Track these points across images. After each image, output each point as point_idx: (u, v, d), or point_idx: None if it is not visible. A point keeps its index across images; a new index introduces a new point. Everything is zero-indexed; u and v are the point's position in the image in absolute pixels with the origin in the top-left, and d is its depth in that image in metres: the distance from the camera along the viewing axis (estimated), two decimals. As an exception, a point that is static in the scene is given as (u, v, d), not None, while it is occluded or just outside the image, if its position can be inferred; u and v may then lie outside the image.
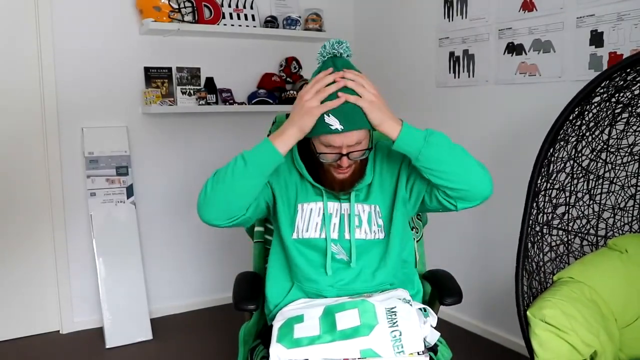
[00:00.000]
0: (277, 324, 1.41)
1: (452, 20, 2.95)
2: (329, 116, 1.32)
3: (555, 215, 1.98)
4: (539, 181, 1.81)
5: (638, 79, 1.72)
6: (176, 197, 3.25)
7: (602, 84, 1.68)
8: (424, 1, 3.13)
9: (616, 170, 2.04)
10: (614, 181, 2.05)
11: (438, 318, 1.50)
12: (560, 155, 1.88)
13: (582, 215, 2.05)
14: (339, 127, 1.32)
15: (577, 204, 2.03)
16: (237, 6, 3.24)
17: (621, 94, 1.81)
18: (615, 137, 1.99)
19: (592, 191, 2.04)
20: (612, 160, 2.02)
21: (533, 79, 2.56)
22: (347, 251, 1.48)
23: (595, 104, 1.79)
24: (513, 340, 2.73)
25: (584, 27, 2.33)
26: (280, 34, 3.28)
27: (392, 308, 1.36)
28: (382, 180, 1.51)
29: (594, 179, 2.03)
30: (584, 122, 1.84)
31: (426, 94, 3.16)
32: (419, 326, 1.33)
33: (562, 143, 1.84)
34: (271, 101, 3.30)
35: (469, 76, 2.89)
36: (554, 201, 1.96)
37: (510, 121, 2.69)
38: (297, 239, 1.49)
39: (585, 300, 1.67)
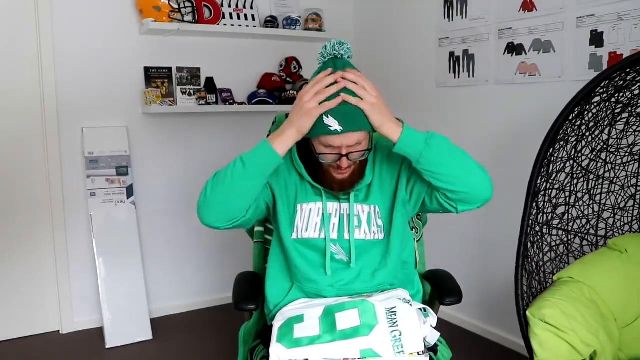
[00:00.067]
0: (277, 324, 1.41)
1: (452, 20, 2.95)
2: (328, 117, 1.32)
3: (555, 215, 1.98)
4: (538, 181, 1.81)
5: (638, 79, 1.72)
6: (176, 197, 3.25)
7: (602, 84, 1.68)
8: (424, 1, 3.13)
9: (616, 170, 2.04)
10: (614, 181, 2.05)
11: (438, 318, 1.50)
12: (560, 155, 1.88)
13: (582, 215, 2.05)
14: (338, 128, 1.32)
15: (577, 204, 2.03)
16: (237, 6, 3.24)
17: (621, 94, 1.81)
18: (615, 137, 1.99)
19: (592, 191, 2.04)
20: (612, 160, 2.02)
21: (533, 79, 2.56)
22: (346, 251, 1.48)
23: (595, 104, 1.80)
24: (513, 340, 2.73)
25: (584, 27, 2.33)
26: (280, 34, 3.28)
27: (392, 308, 1.36)
28: (382, 180, 1.51)
29: (594, 179, 2.03)
30: (583, 122, 1.84)
31: (426, 94, 3.16)
32: (419, 326, 1.33)
33: (562, 143, 1.84)
34: (271, 101, 3.30)
35: (469, 76, 2.89)
36: (554, 201, 1.96)
37: (510, 121, 2.69)
38: (297, 239, 1.49)
39: (585, 300, 1.67)
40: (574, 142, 1.89)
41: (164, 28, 2.93)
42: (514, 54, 2.64)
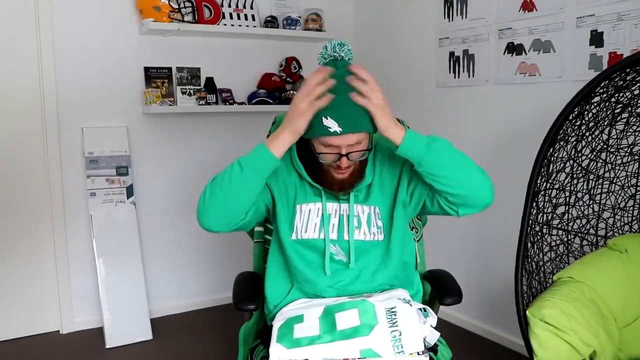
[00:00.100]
0: (277, 324, 1.41)
1: (452, 20, 2.95)
2: (327, 118, 1.32)
3: (555, 215, 1.98)
4: (538, 181, 1.81)
5: (638, 79, 1.72)
6: (176, 197, 3.25)
7: (602, 84, 1.68)
8: (424, 1, 3.13)
9: (616, 170, 2.04)
10: (614, 181, 2.05)
11: (438, 318, 1.50)
12: (560, 155, 1.88)
13: (582, 215, 2.05)
14: (338, 129, 1.32)
15: (577, 204, 2.03)
16: (237, 6, 3.24)
17: (621, 94, 1.81)
18: (615, 137, 1.99)
19: (592, 191, 2.04)
20: (612, 160, 2.02)
21: (533, 79, 2.56)
22: (345, 252, 1.48)
23: (595, 104, 1.80)
24: (513, 340, 2.73)
25: (584, 27, 2.33)
26: (280, 34, 3.28)
27: (392, 308, 1.36)
28: (382, 181, 1.51)
29: (594, 179, 2.03)
30: (583, 122, 1.84)
31: (426, 94, 3.16)
32: (418, 326, 1.33)
33: (562, 143, 1.84)
34: (271, 101, 3.30)
35: (469, 76, 2.89)
36: (554, 201, 1.96)
37: (510, 121, 2.69)
38: (296, 240, 1.49)
39: (584, 300, 1.67)
40: (574, 142, 1.89)
41: (164, 28, 2.93)
42: (514, 54, 2.64)
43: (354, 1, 3.67)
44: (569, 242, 2.05)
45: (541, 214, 1.91)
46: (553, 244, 2.01)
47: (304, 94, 1.34)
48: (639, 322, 1.77)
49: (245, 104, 3.29)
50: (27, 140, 2.88)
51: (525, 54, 2.58)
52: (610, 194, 2.07)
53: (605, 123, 1.92)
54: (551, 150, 1.79)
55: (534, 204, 1.83)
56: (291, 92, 3.35)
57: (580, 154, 1.93)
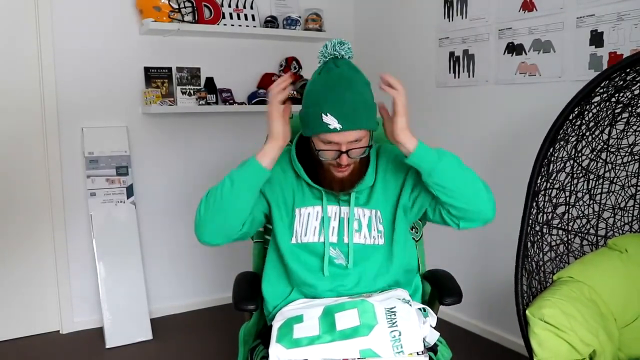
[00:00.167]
0: (276, 324, 1.41)
1: (452, 20, 2.95)
2: (327, 115, 1.32)
3: (555, 215, 1.98)
4: (538, 181, 1.81)
5: (638, 79, 1.72)
6: (176, 197, 3.25)
7: (602, 84, 1.68)
8: (424, 1, 3.12)
9: (616, 170, 2.04)
10: (614, 181, 2.05)
11: (438, 318, 1.50)
12: (560, 155, 1.88)
13: (582, 215, 2.05)
14: (337, 126, 1.32)
15: (577, 204, 2.03)
16: (237, 6, 3.24)
17: (621, 94, 1.81)
18: (615, 137, 1.99)
19: (592, 191, 2.04)
20: (612, 160, 2.02)
21: (533, 79, 2.56)
22: (345, 255, 1.48)
23: (595, 104, 1.79)
24: (513, 340, 2.73)
25: (584, 27, 2.33)
26: (280, 34, 3.28)
27: (392, 308, 1.36)
28: (385, 185, 1.50)
29: (594, 179, 2.03)
30: (583, 121, 1.84)
31: (426, 94, 3.16)
32: (418, 326, 1.33)
33: (562, 143, 1.84)
34: (271, 101, 3.29)
35: (469, 76, 2.89)
36: (554, 201, 1.96)
37: (510, 121, 2.69)
38: (296, 244, 1.49)
39: (584, 299, 1.67)
40: (574, 142, 1.89)
41: (164, 28, 2.93)
42: (514, 54, 2.64)
43: (354, 1, 3.67)
44: (569, 241, 2.05)
45: (541, 214, 1.91)
46: (553, 243, 2.01)
47: (269, 102, 1.40)
48: (639, 322, 1.77)
49: (245, 104, 3.29)
50: (27, 140, 2.88)
51: (525, 54, 2.58)
52: (611, 193, 2.07)
53: (606, 123, 1.92)
54: (551, 150, 1.79)
55: (534, 203, 1.83)
56: (291, 92, 3.34)
57: (580, 154, 1.93)
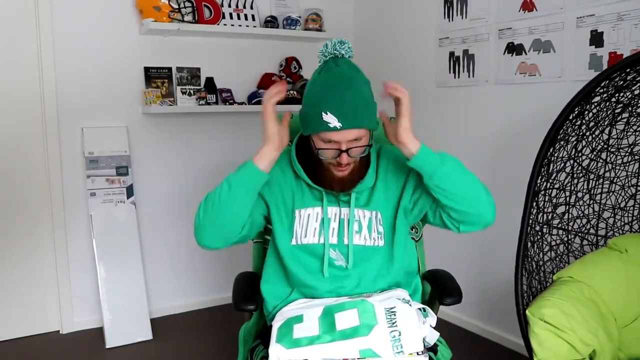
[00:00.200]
0: (276, 324, 1.41)
1: (452, 20, 2.95)
2: (326, 114, 1.32)
3: (555, 215, 1.98)
4: (538, 181, 1.81)
5: (638, 78, 1.72)
6: (176, 197, 3.25)
7: (602, 84, 1.68)
8: (424, 1, 3.12)
9: (616, 170, 2.04)
10: (614, 181, 2.05)
11: (438, 318, 1.50)
12: (560, 155, 1.88)
13: (582, 214, 2.05)
14: (337, 124, 1.32)
15: (577, 204, 2.03)
16: (237, 6, 3.24)
17: (621, 94, 1.81)
18: (615, 136, 1.99)
19: (592, 191, 2.04)
20: (612, 160, 2.02)
21: (533, 79, 2.56)
22: (345, 257, 1.47)
23: (595, 104, 1.79)
24: (513, 340, 2.73)
25: (584, 27, 2.33)
26: (280, 34, 3.28)
27: (392, 308, 1.36)
28: (386, 186, 1.50)
29: (594, 179, 2.03)
30: (584, 121, 1.84)
31: (426, 94, 3.16)
32: (418, 326, 1.33)
33: (562, 143, 1.84)
34: (271, 101, 3.29)
35: (469, 76, 2.89)
36: (554, 201, 1.96)
37: (510, 121, 2.69)
38: (296, 245, 1.49)
39: (584, 299, 1.67)
40: (574, 142, 1.89)
41: (164, 28, 2.93)
42: (514, 54, 2.64)
43: (354, 1, 3.67)
44: (569, 241, 2.05)
45: (541, 214, 1.91)
46: (553, 243, 2.01)
47: (263, 103, 1.41)
48: (639, 322, 1.77)
49: (245, 104, 3.29)
50: (27, 140, 2.88)
51: (525, 54, 2.58)
52: (611, 193, 2.07)
53: (606, 123, 1.92)
54: (551, 149, 1.79)
55: (534, 203, 1.83)
56: (291, 92, 3.34)
57: (580, 154, 1.93)
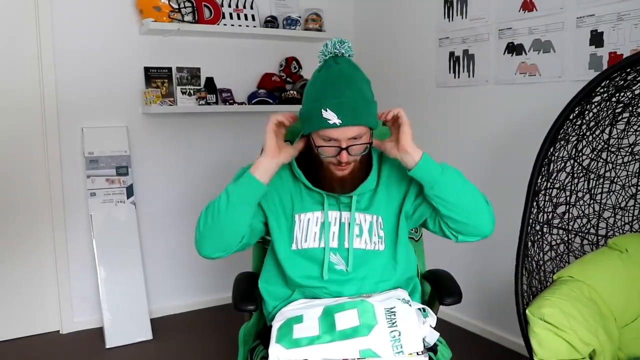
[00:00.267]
0: (276, 324, 1.41)
1: (452, 20, 2.95)
2: (326, 110, 1.32)
3: (555, 215, 1.98)
4: (539, 180, 1.81)
5: (638, 78, 1.72)
6: (176, 197, 3.25)
7: (602, 84, 1.68)
8: (424, 1, 3.12)
9: (617, 170, 2.04)
10: (615, 181, 2.05)
11: (438, 318, 1.50)
12: (561, 155, 1.88)
13: (582, 214, 2.05)
14: (337, 121, 1.32)
15: (578, 203, 2.03)
16: (237, 6, 3.24)
17: (621, 94, 1.81)
18: (615, 136, 1.99)
19: (592, 190, 2.04)
20: (612, 160, 2.02)
21: (533, 79, 2.56)
22: (346, 261, 1.47)
23: (596, 104, 1.79)
24: (513, 340, 2.73)
25: (584, 27, 2.33)
26: (280, 34, 3.28)
27: (392, 308, 1.35)
28: (388, 191, 1.50)
29: (595, 179, 2.03)
30: (584, 121, 1.84)
31: (426, 94, 3.16)
32: (418, 326, 1.32)
33: (562, 142, 1.84)
34: (271, 101, 3.30)
35: (469, 76, 2.88)
36: (555, 200, 1.96)
37: (510, 121, 2.69)
38: (296, 250, 1.48)
39: (584, 299, 1.67)
40: (575, 142, 1.89)
41: (164, 28, 2.93)
42: (514, 54, 2.63)
43: (354, 1, 3.67)
44: (570, 241, 2.05)
45: (542, 213, 1.91)
46: (553, 243, 2.01)
47: (269, 119, 1.43)
48: (639, 322, 1.77)
49: (245, 104, 3.29)
50: (27, 140, 2.88)
51: (525, 54, 2.58)
52: (611, 193, 2.06)
53: (606, 123, 1.92)
54: (552, 149, 1.79)
55: (535, 203, 1.83)
56: (291, 92, 3.34)
57: (580, 154, 1.93)
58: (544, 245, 1.95)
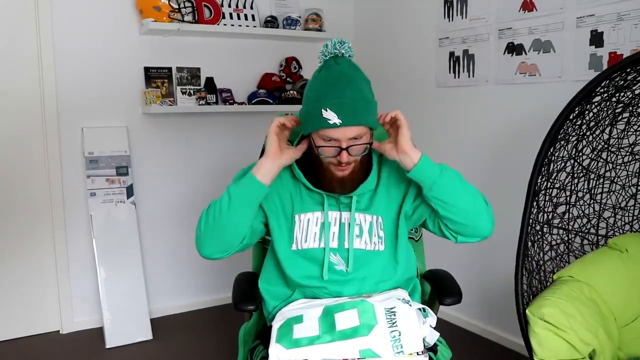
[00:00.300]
0: (276, 324, 1.41)
1: (452, 20, 2.95)
2: (326, 110, 1.32)
3: (555, 214, 1.98)
4: (539, 180, 1.81)
5: (638, 78, 1.72)
6: (176, 197, 3.25)
7: (603, 84, 1.68)
8: (424, 1, 3.12)
9: (617, 170, 2.04)
10: (615, 180, 2.05)
11: (438, 318, 1.50)
12: (561, 155, 1.88)
13: (582, 214, 2.05)
14: (337, 121, 1.32)
15: (578, 203, 2.03)
16: (237, 6, 3.24)
17: (621, 94, 1.81)
18: (616, 136, 1.99)
19: (592, 190, 2.04)
20: (612, 160, 2.02)
21: (533, 79, 2.56)
22: (346, 261, 1.47)
23: (596, 104, 1.79)
24: (513, 340, 2.73)
25: (584, 27, 2.33)
26: (280, 34, 3.28)
27: (392, 308, 1.35)
28: (388, 191, 1.50)
29: (595, 179, 2.03)
30: (584, 121, 1.83)
31: (426, 94, 3.16)
32: (418, 326, 1.32)
33: (562, 142, 1.84)
34: (271, 101, 3.30)
35: (469, 76, 2.88)
36: (555, 200, 1.96)
37: (510, 121, 2.69)
38: (296, 250, 1.48)
39: (584, 299, 1.67)
40: (575, 142, 1.89)
41: (164, 28, 2.93)
42: (514, 54, 2.63)
43: (354, 1, 3.67)
44: (570, 241, 2.05)
45: (542, 213, 1.91)
46: (553, 243, 2.01)
47: (273, 121, 1.43)
48: (639, 322, 1.77)
49: (245, 104, 3.29)
50: (27, 140, 2.88)
51: (525, 54, 2.58)
52: (611, 193, 2.06)
53: (606, 122, 1.92)
54: (552, 149, 1.79)
55: (535, 203, 1.83)
56: (291, 92, 3.34)
57: (581, 154, 1.93)
58: (544, 245, 1.95)
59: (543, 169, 1.80)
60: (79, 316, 3.04)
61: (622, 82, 1.72)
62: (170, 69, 3.12)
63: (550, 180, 1.89)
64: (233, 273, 1.88)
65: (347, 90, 1.33)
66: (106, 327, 2.86)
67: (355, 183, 1.46)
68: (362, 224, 1.48)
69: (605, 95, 1.78)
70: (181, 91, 3.09)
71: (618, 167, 2.03)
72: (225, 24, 3.15)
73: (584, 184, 2.02)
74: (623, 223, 2.08)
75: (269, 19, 3.28)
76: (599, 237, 2.08)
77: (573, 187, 1.99)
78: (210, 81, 3.19)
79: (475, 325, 2.96)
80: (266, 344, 1.43)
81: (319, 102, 1.34)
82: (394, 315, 1.33)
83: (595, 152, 1.98)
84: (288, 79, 3.42)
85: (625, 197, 2.07)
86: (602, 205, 2.06)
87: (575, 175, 1.98)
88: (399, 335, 1.29)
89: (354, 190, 1.45)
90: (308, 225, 1.48)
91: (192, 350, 2.79)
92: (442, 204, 1.40)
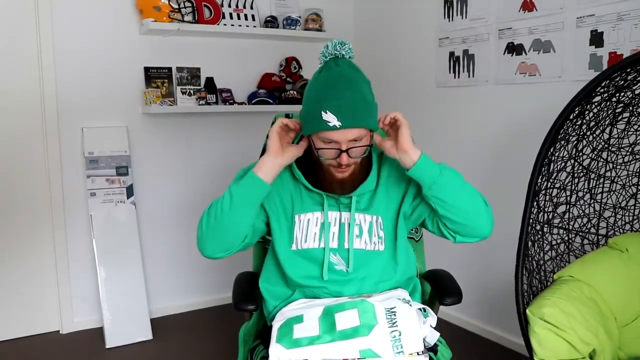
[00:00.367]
0: (276, 324, 1.41)
1: (452, 20, 2.95)
2: (326, 113, 1.32)
3: (556, 214, 1.98)
4: (539, 180, 1.81)
5: (638, 78, 1.72)
6: (176, 197, 3.25)
7: (603, 84, 1.68)
8: (424, 1, 3.12)
9: (617, 170, 2.04)
10: (615, 180, 2.05)
11: (438, 318, 1.50)
12: (561, 155, 1.88)
13: (582, 214, 2.05)
14: (337, 123, 1.32)
15: (578, 203, 2.03)
16: (237, 6, 3.24)
17: (622, 94, 1.81)
18: (616, 136, 1.99)
19: (593, 190, 2.04)
20: (613, 160, 2.02)
21: (533, 79, 2.56)
22: (346, 261, 1.47)
23: (596, 104, 1.79)
24: (513, 340, 2.73)
25: (584, 27, 2.33)
26: (280, 34, 3.28)
27: (392, 308, 1.35)
28: (388, 191, 1.50)
29: (595, 178, 2.03)
30: (584, 121, 1.84)
31: (426, 94, 3.16)
32: (418, 326, 1.32)
33: (562, 142, 1.84)
34: (271, 101, 3.30)
35: (469, 76, 2.88)
36: (555, 200, 1.96)
37: (510, 121, 2.69)
38: (296, 250, 1.48)
39: (584, 299, 1.67)
40: (575, 142, 1.89)
41: (164, 28, 2.93)
42: (514, 54, 2.63)
43: (354, 1, 3.67)
44: (570, 241, 2.05)
45: (542, 213, 1.91)
46: (554, 242, 2.01)
47: (275, 122, 1.44)
48: (639, 321, 1.77)
49: (245, 104, 3.29)
50: (27, 140, 2.87)
51: (525, 54, 2.58)
52: (612, 193, 2.07)
53: (606, 122, 1.92)
54: (552, 149, 1.79)
55: (535, 203, 1.83)
56: (291, 92, 3.34)
57: (581, 153, 1.93)
58: (545, 244, 1.95)
59: (543, 168, 1.80)
60: (79, 316, 3.04)
61: (622, 82, 1.72)
62: (170, 69, 3.12)
63: (551, 180, 1.89)
64: (233, 273, 1.88)
65: (347, 92, 1.33)
66: (106, 327, 2.86)
67: (355, 183, 1.46)
68: (361, 224, 1.47)
69: (606, 95, 1.78)
70: (181, 91, 3.09)
71: (618, 166, 2.03)
72: (225, 24, 3.15)
73: (584, 184, 2.02)
74: (623, 223, 2.08)
75: (269, 19, 3.28)
76: (599, 237, 2.08)
77: (573, 187, 1.99)
78: (210, 81, 3.19)
79: (475, 325, 2.96)
80: (266, 343, 1.43)
81: (318, 103, 1.34)
82: (394, 315, 1.33)
83: (595, 152, 1.98)
84: (288, 79, 3.42)
85: (626, 196, 2.07)
86: (602, 205, 2.06)
87: (576, 175, 1.98)
88: (399, 335, 1.29)
89: (354, 190, 1.45)
90: (308, 226, 1.48)
91: (192, 350, 2.79)
92: (442, 203, 1.39)
